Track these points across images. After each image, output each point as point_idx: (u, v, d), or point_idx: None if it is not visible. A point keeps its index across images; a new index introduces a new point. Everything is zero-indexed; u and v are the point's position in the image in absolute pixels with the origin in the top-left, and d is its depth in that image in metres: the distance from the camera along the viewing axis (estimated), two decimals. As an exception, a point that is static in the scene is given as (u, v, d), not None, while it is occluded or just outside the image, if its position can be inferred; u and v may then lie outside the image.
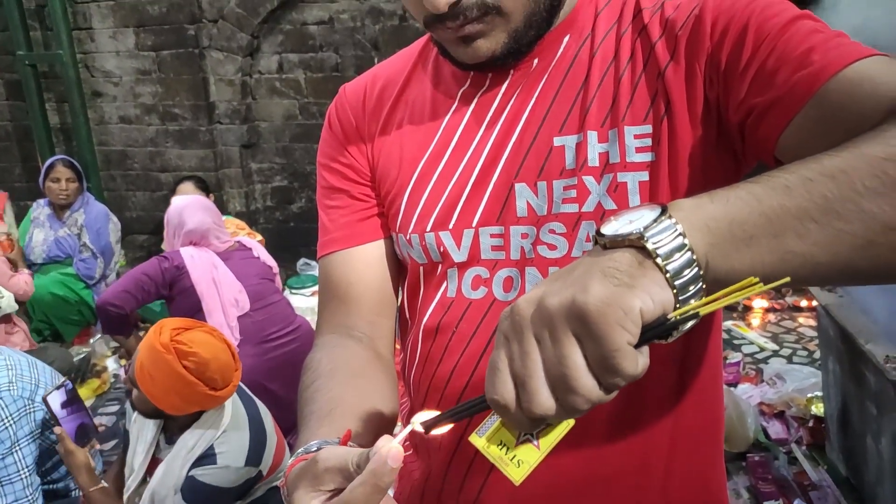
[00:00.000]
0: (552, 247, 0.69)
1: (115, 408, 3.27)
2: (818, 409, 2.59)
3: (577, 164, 0.68)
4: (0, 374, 1.74)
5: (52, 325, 3.75)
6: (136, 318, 2.72)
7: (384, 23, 4.18)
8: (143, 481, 1.75)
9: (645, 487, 0.73)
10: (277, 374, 2.44)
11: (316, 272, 1.09)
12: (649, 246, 0.43)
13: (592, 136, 0.68)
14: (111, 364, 3.55)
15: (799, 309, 3.93)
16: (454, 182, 0.74)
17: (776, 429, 2.62)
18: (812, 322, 3.72)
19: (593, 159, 0.68)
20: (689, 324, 0.43)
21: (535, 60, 0.73)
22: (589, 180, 0.68)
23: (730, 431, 2.44)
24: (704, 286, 0.44)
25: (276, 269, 2.81)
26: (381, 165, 0.80)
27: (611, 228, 0.46)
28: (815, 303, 2.60)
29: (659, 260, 0.43)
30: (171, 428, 1.75)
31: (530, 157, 0.71)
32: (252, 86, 4.41)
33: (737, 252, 0.45)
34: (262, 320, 2.55)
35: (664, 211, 0.45)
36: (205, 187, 3.92)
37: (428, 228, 0.75)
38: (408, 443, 0.91)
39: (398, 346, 0.88)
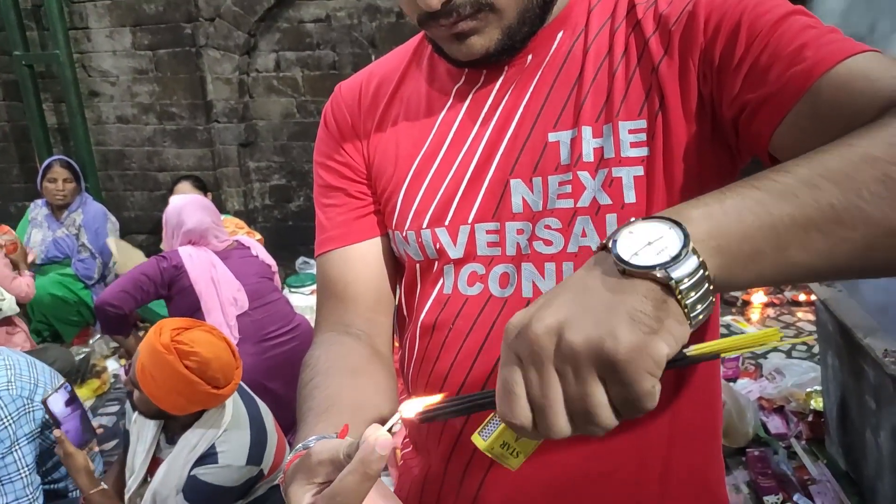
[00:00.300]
0: (548, 242, 0.70)
1: (115, 408, 3.27)
2: (817, 403, 2.59)
3: (572, 160, 0.68)
4: (-1, 374, 1.75)
5: (51, 325, 3.75)
6: (135, 318, 2.72)
7: (381, 20, 4.18)
8: (144, 481, 1.75)
9: (644, 483, 0.74)
10: (277, 373, 2.44)
11: (314, 270, 1.09)
12: (674, 286, 0.43)
13: (587, 131, 0.68)
14: (111, 364, 3.55)
15: (797, 303, 3.94)
16: (450, 179, 0.74)
17: (775, 423, 2.62)
18: (811, 316, 3.72)
19: (588, 154, 0.68)
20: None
21: (529, 57, 0.73)
22: (584, 175, 0.68)
23: (729, 426, 2.44)
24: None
25: (274, 267, 2.81)
26: (377, 163, 0.80)
27: (627, 250, 0.44)
28: (813, 297, 2.60)
29: (681, 297, 0.43)
30: (172, 428, 1.75)
31: (525, 153, 0.71)
32: (249, 84, 4.40)
33: (742, 269, 0.45)
34: (261, 319, 2.55)
35: (686, 241, 0.43)
36: (202, 186, 3.92)
37: (424, 225, 0.75)
38: (407, 440, 0.91)
39: (397, 344, 0.88)
